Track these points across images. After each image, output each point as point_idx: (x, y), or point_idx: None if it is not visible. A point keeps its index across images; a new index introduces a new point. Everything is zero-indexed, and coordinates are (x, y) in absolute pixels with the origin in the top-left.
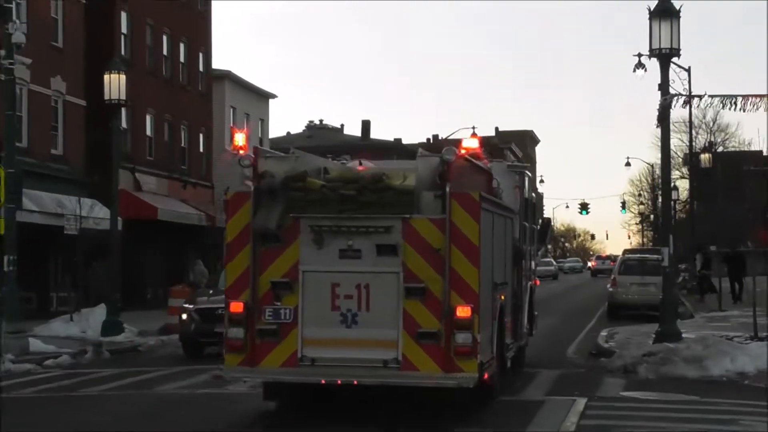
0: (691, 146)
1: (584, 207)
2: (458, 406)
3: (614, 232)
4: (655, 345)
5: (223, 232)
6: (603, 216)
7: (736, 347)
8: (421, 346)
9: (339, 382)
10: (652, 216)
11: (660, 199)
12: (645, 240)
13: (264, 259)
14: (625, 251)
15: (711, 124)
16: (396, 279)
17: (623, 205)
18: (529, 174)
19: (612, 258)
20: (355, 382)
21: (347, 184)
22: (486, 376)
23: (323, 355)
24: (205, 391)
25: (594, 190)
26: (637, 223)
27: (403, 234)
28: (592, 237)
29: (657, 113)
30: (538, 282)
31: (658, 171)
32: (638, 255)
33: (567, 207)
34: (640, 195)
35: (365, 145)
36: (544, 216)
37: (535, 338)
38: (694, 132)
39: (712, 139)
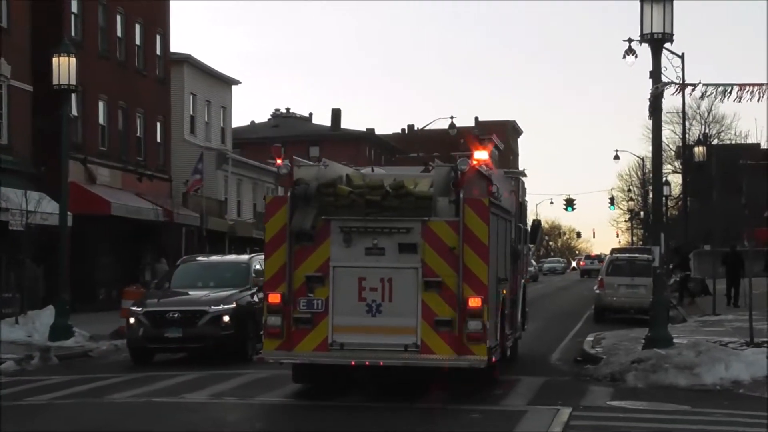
0: (684, 138)
1: (570, 203)
2: (469, 383)
3: (602, 230)
4: (644, 351)
5: (182, 229)
6: (590, 213)
7: (730, 354)
8: (437, 333)
9: (367, 363)
10: (642, 213)
11: (651, 195)
12: (635, 238)
13: (298, 255)
14: (613, 250)
15: (706, 115)
16: (415, 274)
17: (612, 201)
18: (523, 179)
19: (601, 258)
20: (381, 363)
21: (373, 191)
22: (494, 359)
23: (351, 341)
24: (161, 399)
25: (580, 185)
26: (626, 221)
27: (422, 234)
28: (578, 235)
29: (648, 103)
30: (528, 280)
31: (649, 165)
32: (627, 255)
33: (551, 203)
34: (629, 190)
35: (335, 135)
36: (534, 218)
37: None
38: (687, 123)
39: (707, 131)
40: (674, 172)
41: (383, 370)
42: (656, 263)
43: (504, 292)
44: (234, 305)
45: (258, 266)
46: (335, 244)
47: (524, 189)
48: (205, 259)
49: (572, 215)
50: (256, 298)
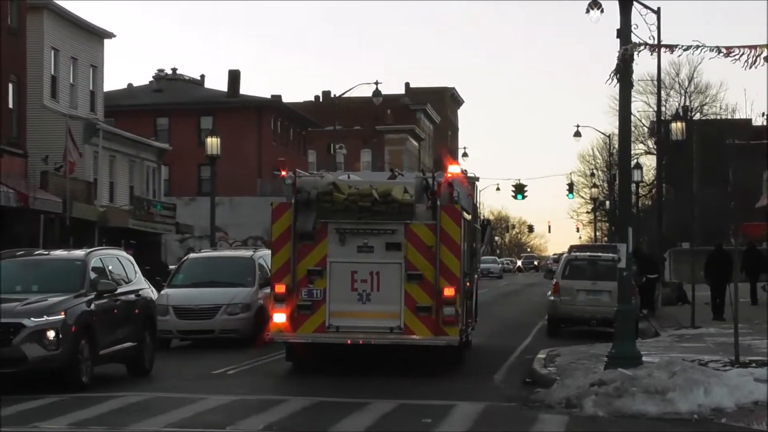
0: (659, 112)
1: (520, 190)
2: (444, 357)
3: (559, 224)
4: (607, 371)
5: (40, 216)
6: (545, 202)
7: (711, 375)
8: (418, 317)
9: (361, 341)
10: (608, 202)
11: (618, 181)
12: (599, 234)
13: (301, 252)
14: (572, 248)
15: (686, 83)
16: (399, 268)
17: (570, 187)
18: (477, 182)
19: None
20: (373, 341)
21: (363, 198)
22: (463, 339)
23: (345, 324)
24: (9, 430)
25: (533, 168)
26: (588, 212)
27: (405, 235)
28: (530, 229)
29: (615, 68)
30: (479, 277)
31: (616, 144)
32: (588, 254)
33: (498, 189)
34: (593, 175)
35: (233, 103)
36: (484, 217)
37: (452, 365)
38: (663, 93)
39: (687, 104)
40: (647, 153)
41: (372, 348)
42: (623, 264)
43: (468, 284)
44: (62, 316)
45: (109, 266)
46: (332, 243)
47: (477, 192)
48: (30, 255)
49: (523, 204)
50: (93, 306)
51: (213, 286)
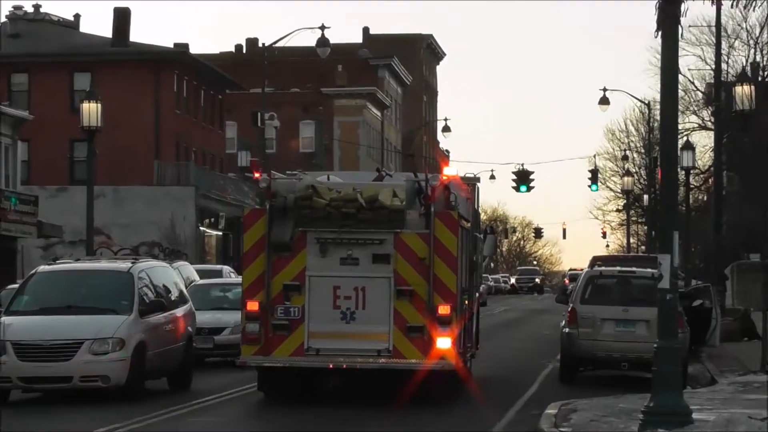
0: (718, 71)
1: (523, 179)
2: (438, 387)
3: (578, 227)
4: None
5: None
6: (558, 196)
7: None
8: (408, 338)
9: (344, 366)
10: (645, 197)
11: (660, 167)
12: (633, 241)
13: (276, 265)
14: (596, 260)
15: (756, 31)
16: (388, 283)
17: (594, 176)
18: (479, 184)
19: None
20: (358, 366)
21: (348, 204)
22: (460, 364)
23: (326, 346)
24: None
25: (542, 149)
26: (618, 210)
27: (395, 245)
28: (537, 234)
29: (656, 11)
30: (482, 294)
31: (657, 115)
32: (618, 268)
33: (492, 178)
34: (625, 158)
35: (120, 55)
36: (488, 224)
37: (439, 413)
38: (725, 45)
39: (759, 59)
40: (702, 128)
41: (356, 374)
42: (665, 283)
43: (466, 302)
44: None
45: None
46: (311, 254)
47: (478, 195)
48: None
49: (528, 199)
50: None
51: (71, 313)
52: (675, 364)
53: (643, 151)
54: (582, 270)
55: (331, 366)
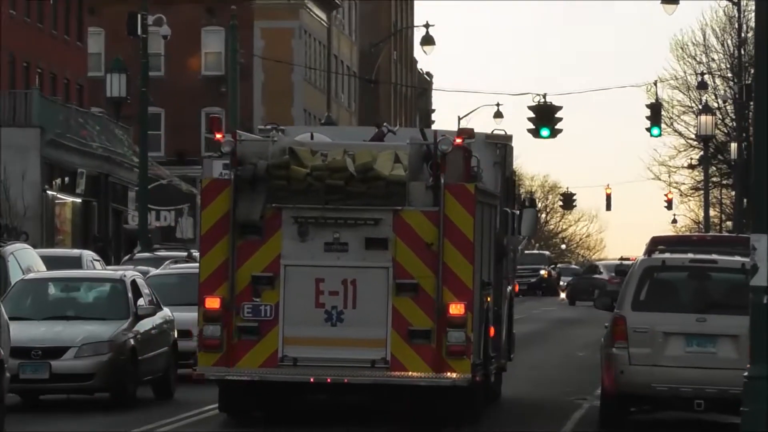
0: None
1: (545, 117)
2: (449, 406)
3: (629, 192)
4: None
5: None
6: (598, 145)
7: None
8: (411, 346)
9: (329, 380)
10: (733, 146)
11: (755, 98)
12: (715, 213)
13: (243, 251)
14: (656, 243)
15: None
16: (385, 275)
17: (655, 114)
18: (512, 145)
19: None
20: (346, 381)
21: (334, 173)
22: (478, 378)
23: (306, 355)
24: None
25: (574, 73)
26: (691, 165)
27: (394, 227)
28: (567, 202)
29: None
30: (517, 287)
31: (752, 18)
32: (690, 255)
33: (498, 115)
34: (701, 86)
35: None
36: (527, 195)
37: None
38: None
39: None
40: None
41: (345, 389)
42: (762, 278)
43: (488, 299)
44: None
45: None
46: (287, 238)
47: (511, 159)
48: None
49: (551, 149)
50: None
51: None
52: None
53: (730, 75)
54: (636, 259)
55: (312, 380)
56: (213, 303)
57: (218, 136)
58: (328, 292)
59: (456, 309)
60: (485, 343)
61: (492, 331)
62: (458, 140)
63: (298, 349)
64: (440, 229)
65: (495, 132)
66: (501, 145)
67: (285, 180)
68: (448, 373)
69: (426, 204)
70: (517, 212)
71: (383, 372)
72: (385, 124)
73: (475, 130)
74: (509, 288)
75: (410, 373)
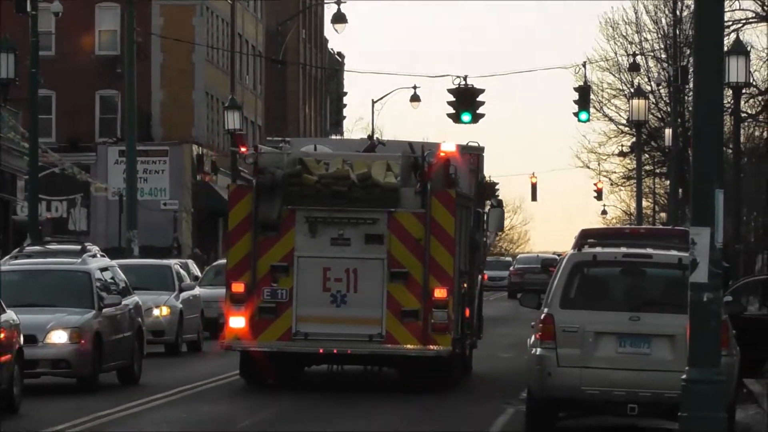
0: None
1: (466, 101)
2: (433, 374)
3: (555, 181)
4: None
5: None
6: (522, 131)
7: None
8: (402, 323)
9: (335, 351)
10: (668, 131)
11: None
12: (648, 204)
13: (263, 245)
14: (585, 236)
15: None
16: (381, 265)
17: (583, 97)
18: (484, 155)
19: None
20: (349, 351)
21: (339, 181)
22: (457, 351)
23: (315, 330)
24: None
25: (497, 54)
26: (622, 153)
27: (388, 225)
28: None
29: None
30: (486, 276)
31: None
32: (623, 249)
33: (415, 99)
34: (633, 68)
35: None
36: (495, 197)
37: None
38: None
39: None
40: (763, 19)
41: (346, 361)
42: (701, 275)
43: (465, 285)
44: None
45: None
46: (300, 234)
47: (483, 166)
48: None
49: (472, 134)
50: None
51: None
52: (715, 407)
53: (664, 56)
54: (563, 255)
55: (321, 351)
56: (238, 287)
57: (243, 149)
58: (333, 278)
59: (440, 293)
60: (462, 322)
61: (467, 311)
62: (441, 155)
63: (308, 325)
64: (427, 227)
65: (470, 144)
66: (474, 155)
67: (298, 186)
68: (433, 346)
69: (415, 206)
70: (485, 213)
71: (379, 345)
72: (376, 137)
73: (452, 143)
74: (479, 276)
75: (402, 345)
